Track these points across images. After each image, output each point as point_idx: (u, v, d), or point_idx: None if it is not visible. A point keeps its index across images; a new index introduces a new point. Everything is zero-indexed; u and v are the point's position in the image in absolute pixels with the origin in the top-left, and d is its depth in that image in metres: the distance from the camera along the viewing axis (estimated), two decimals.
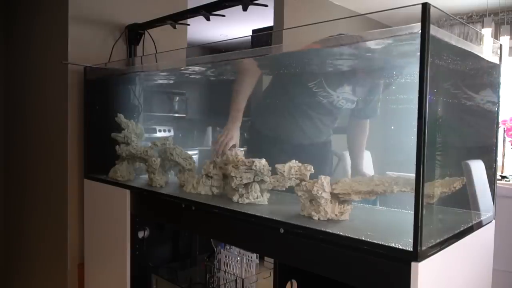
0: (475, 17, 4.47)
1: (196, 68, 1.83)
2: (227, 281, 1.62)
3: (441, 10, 0.90)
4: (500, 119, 1.89)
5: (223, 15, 1.83)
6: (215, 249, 1.69)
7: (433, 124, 0.91)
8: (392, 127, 1.71)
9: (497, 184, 1.50)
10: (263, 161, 1.32)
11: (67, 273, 2.06)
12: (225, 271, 1.63)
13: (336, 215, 1.13)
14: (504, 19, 4.13)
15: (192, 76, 2.09)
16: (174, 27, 2.04)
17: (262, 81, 1.79)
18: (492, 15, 4.16)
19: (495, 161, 1.32)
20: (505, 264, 2.44)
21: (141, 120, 2.19)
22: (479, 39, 1.26)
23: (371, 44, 1.24)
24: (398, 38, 1.12)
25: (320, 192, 1.11)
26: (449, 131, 1.11)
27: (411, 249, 0.87)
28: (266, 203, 1.36)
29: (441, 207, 1.13)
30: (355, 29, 1.24)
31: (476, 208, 1.24)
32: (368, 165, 1.90)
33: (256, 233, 1.21)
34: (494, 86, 1.30)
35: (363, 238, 0.95)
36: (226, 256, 1.63)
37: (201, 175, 1.51)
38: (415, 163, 0.87)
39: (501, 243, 1.44)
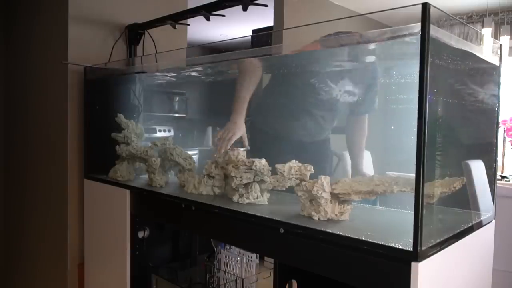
0: (475, 17, 4.47)
1: (196, 68, 1.83)
2: (227, 281, 1.62)
3: (441, 10, 0.90)
4: (500, 119, 1.89)
5: (223, 15, 1.83)
6: (215, 249, 1.69)
7: (433, 124, 0.91)
8: (392, 127, 1.71)
9: (497, 184, 1.50)
10: (263, 161, 1.32)
11: (67, 273, 2.06)
12: (225, 271, 1.63)
13: (336, 215, 1.13)
14: (504, 19, 4.13)
15: (192, 76, 2.09)
16: (174, 27, 2.04)
17: (262, 80, 1.78)
18: (492, 15, 4.16)
19: (495, 161, 1.32)
20: (505, 264, 2.44)
21: (141, 120, 2.19)
22: (479, 39, 1.26)
23: (371, 45, 1.24)
24: (398, 37, 1.12)
25: (320, 192, 1.11)
26: (449, 131, 1.11)
27: (411, 249, 0.87)
28: (266, 203, 1.36)
29: (441, 207, 1.13)
30: (355, 29, 1.24)
31: (476, 208, 1.24)
32: (368, 165, 1.90)
33: (256, 233, 1.21)
34: (494, 86, 1.30)
35: (363, 238, 0.96)
36: (226, 256, 1.63)
37: (202, 175, 1.51)
38: (415, 163, 0.87)
39: (501, 243, 1.44)
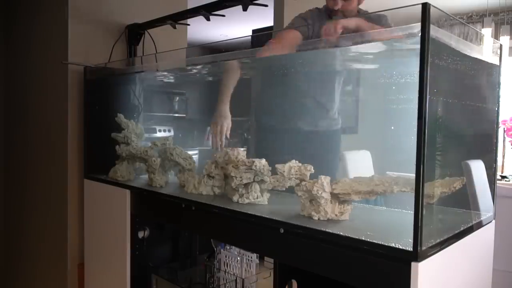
0: (475, 17, 4.47)
1: (196, 68, 1.83)
2: (227, 281, 1.62)
3: (441, 10, 0.90)
4: (500, 119, 1.89)
5: (223, 15, 1.83)
6: (215, 249, 1.69)
7: (433, 124, 0.91)
8: (392, 127, 1.71)
9: (497, 184, 1.50)
10: (263, 161, 1.32)
11: (67, 273, 2.06)
12: (225, 271, 1.63)
13: (336, 215, 1.13)
14: (504, 19, 4.13)
15: (192, 76, 2.09)
16: (174, 27, 2.04)
17: (263, 79, 1.78)
18: (492, 15, 4.16)
19: (495, 161, 1.32)
20: (505, 264, 2.44)
21: (141, 120, 2.19)
22: (479, 39, 1.26)
23: (372, 45, 1.24)
24: (398, 37, 1.12)
25: (320, 192, 1.11)
26: (449, 131, 1.11)
27: (411, 249, 0.87)
28: (266, 203, 1.36)
29: (441, 207, 1.13)
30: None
31: (476, 208, 1.24)
32: (368, 165, 1.90)
33: (256, 233, 1.21)
34: (494, 86, 1.30)
35: (363, 238, 0.95)
36: (226, 256, 1.63)
37: (202, 175, 1.51)
38: (415, 163, 0.87)
39: (501, 243, 1.44)
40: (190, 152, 1.68)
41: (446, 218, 1.16)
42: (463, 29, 1.18)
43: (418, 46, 0.86)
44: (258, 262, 1.59)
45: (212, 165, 1.48)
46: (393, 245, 0.91)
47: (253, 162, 1.31)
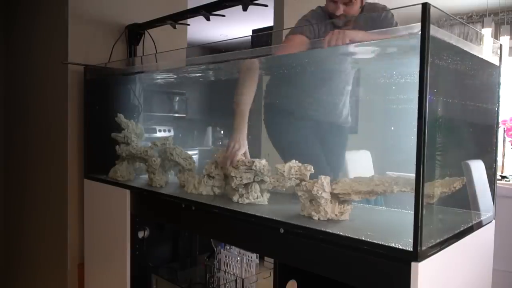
0: (475, 17, 4.47)
1: (196, 68, 1.83)
2: (227, 281, 1.62)
3: (441, 10, 0.90)
4: (500, 119, 1.89)
5: (223, 15, 1.83)
6: (215, 249, 1.69)
7: (433, 124, 0.91)
8: (392, 128, 1.71)
9: (497, 184, 1.50)
10: (263, 161, 1.32)
11: (67, 273, 2.06)
12: (225, 271, 1.63)
13: (336, 215, 1.13)
14: (504, 19, 4.13)
15: (192, 76, 2.09)
16: (174, 27, 2.04)
17: (263, 80, 1.78)
18: (492, 15, 4.16)
19: (495, 161, 1.32)
20: (505, 264, 2.44)
21: (141, 120, 2.19)
22: (479, 39, 1.26)
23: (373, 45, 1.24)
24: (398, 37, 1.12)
25: (320, 192, 1.11)
26: (449, 131, 1.11)
27: (411, 249, 0.87)
28: (266, 203, 1.36)
29: (441, 207, 1.13)
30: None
31: (476, 208, 1.24)
32: (368, 165, 1.90)
33: (256, 233, 1.21)
34: (494, 86, 1.30)
35: (363, 238, 0.95)
36: (226, 256, 1.63)
37: (202, 175, 1.51)
38: (415, 163, 0.87)
39: (501, 243, 1.44)
40: (190, 152, 1.68)
41: (446, 218, 1.16)
42: (463, 29, 1.18)
43: (418, 46, 0.86)
44: (258, 262, 1.59)
45: (212, 165, 1.49)
46: (393, 245, 0.91)
47: (253, 162, 1.31)
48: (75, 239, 2.07)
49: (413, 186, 0.88)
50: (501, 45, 1.30)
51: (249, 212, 1.23)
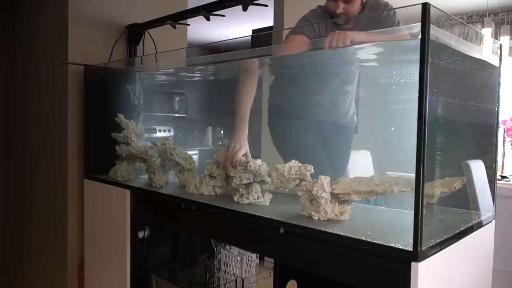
0: (475, 17, 4.47)
1: (196, 68, 1.83)
2: (227, 281, 1.62)
3: (441, 10, 0.90)
4: (500, 119, 1.89)
5: (223, 15, 1.83)
6: (215, 249, 1.69)
7: (433, 124, 0.91)
8: (392, 128, 1.71)
9: (497, 184, 1.50)
10: (258, 161, 1.32)
11: (67, 273, 2.06)
12: (225, 271, 1.63)
13: (336, 215, 1.13)
14: (504, 19, 4.13)
15: (192, 76, 2.09)
16: (174, 27, 2.04)
17: (263, 81, 1.78)
18: (492, 15, 4.16)
19: (495, 161, 1.32)
20: (505, 264, 2.44)
21: (141, 120, 2.19)
22: (479, 39, 1.26)
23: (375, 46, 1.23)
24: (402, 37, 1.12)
25: (320, 192, 1.11)
26: (449, 131, 1.11)
27: (411, 249, 0.87)
28: (268, 203, 1.36)
29: (441, 207, 1.13)
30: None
31: (476, 208, 1.24)
32: (368, 165, 1.90)
33: (256, 233, 1.21)
34: (494, 86, 1.30)
35: (363, 238, 0.95)
36: (226, 256, 1.63)
37: (204, 175, 1.51)
38: (415, 163, 0.87)
39: (501, 243, 1.44)
40: (190, 152, 1.68)
41: (446, 218, 1.16)
42: (463, 29, 1.18)
43: (418, 46, 0.86)
44: (258, 262, 1.59)
45: (214, 165, 1.48)
46: (393, 245, 0.91)
47: (248, 162, 1.31)
48: (75, 239, 2.07)
49: (413, 186, 0.88)
50: (501, 45, 1.30)
51: (249, 212, 1.23)
